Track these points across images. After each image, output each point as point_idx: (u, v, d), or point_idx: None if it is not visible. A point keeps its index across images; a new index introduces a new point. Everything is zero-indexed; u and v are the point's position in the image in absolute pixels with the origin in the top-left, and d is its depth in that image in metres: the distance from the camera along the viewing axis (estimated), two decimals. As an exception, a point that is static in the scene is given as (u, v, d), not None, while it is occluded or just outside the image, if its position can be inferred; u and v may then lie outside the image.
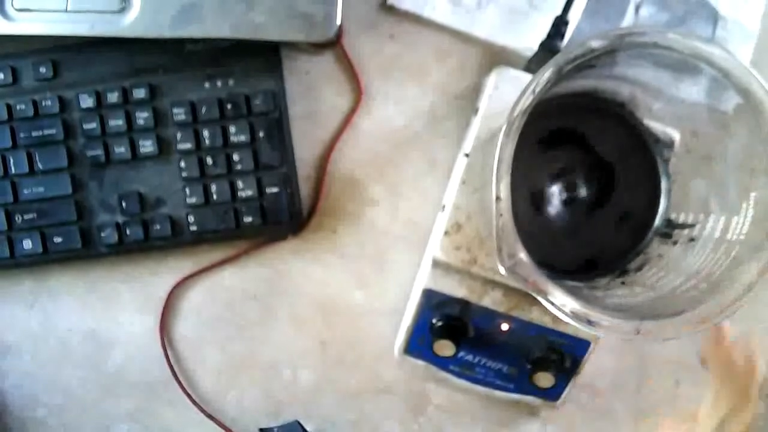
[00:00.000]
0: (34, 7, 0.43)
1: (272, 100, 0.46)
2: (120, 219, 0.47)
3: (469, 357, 0.45)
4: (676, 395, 0.50)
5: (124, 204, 0.46)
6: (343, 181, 0.50)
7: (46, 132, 0.46)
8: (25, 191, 0.46)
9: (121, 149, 0.46)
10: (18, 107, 0.46)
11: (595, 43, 0.31)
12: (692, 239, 0.37)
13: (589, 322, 0.32)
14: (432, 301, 0.44)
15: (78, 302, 0.49)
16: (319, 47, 0.49)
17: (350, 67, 0.49)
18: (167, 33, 0.44)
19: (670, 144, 0.40)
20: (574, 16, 0.47)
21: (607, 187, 0.41)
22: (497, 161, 0.31)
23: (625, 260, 0.41)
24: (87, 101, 0.46)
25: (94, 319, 0.49)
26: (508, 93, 0.44)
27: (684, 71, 0.34)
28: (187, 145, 0.46)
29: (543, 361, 0.44)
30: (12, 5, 0.43)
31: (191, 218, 0.47)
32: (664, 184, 0.41)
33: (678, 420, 0.48)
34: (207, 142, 0.46)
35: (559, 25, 0.46)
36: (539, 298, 0.32)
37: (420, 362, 0.46)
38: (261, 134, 0.47)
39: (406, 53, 0.49)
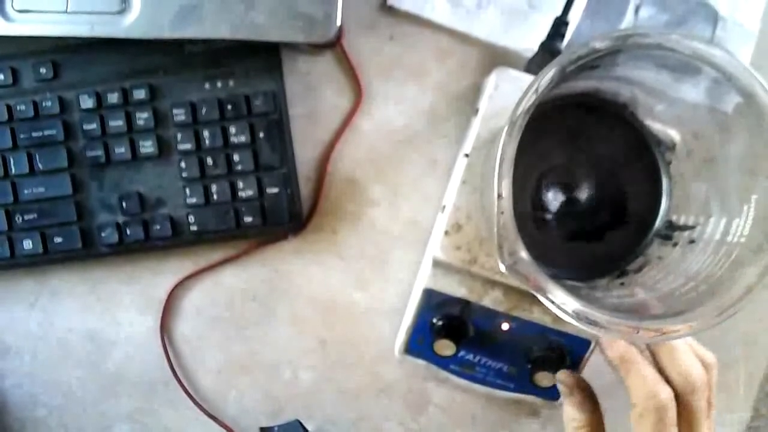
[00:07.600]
0: (34, 8, 0.43)
1: (272, 100, 0.46)
2: (120, 219, 0.47)
3: (470, 356, 0.45)
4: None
5: (124, 204, 0.46)
6: (343, 181, 0.50)
7: (47, 132, 0.46)
8: (26, 191, 0.46)
9: (121, 150, 0.46)
10: (18, 108, 0.46)
11: (599, 44, 0.31)
12: (692, 241, 0.37)
13: (590, 322, 0.32)
14: (432, 300, 0.44)
15: (78, 302, 0.49)
16: (319, 48, 0.49)
17: (350, 67, 0.49)
18: (167, 34, 0.43)
19: (671, 145, 0.40)
20: (574, 17, 0.47)
21: (608, 188, 0.41)
22: (499, 160, 0.31)
23: (625, 261, 0.41)
24: (87, 102, 0.46)
25: (94, 319, 0.49)
26: (508, 93, 0.44)
27: (685, 72, 0.33)
28: (187, 146, 0.46)
29: (543, 361, 0.44)
30: (12, 6, 0.43)
31: (191, 218, 0.47)
32: (665, 186, 0.41)
33: None
34: (207, 142, 0.46)
35: (559, 25, 0.46)
36: (539, 297, 0.32)
37: (420, 362, 0.46)
38: (261, 135, 0.47)
39: (406, 53, 0.49)
